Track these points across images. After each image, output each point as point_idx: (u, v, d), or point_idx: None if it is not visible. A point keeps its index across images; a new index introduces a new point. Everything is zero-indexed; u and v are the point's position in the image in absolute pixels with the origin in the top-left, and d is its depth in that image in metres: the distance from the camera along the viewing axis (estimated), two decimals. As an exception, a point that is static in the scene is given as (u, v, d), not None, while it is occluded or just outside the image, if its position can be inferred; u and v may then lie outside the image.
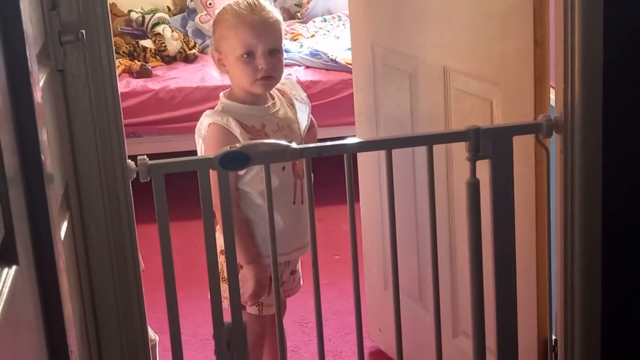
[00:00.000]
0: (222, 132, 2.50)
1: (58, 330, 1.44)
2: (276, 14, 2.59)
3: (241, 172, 2.52)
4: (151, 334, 2.47)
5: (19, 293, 1.27)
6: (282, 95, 2.67)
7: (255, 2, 2.56)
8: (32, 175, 1.37)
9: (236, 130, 2.49)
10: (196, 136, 2.57)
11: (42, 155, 1.38)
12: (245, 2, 2.55)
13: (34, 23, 1.68)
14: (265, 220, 2.54)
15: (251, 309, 2.63)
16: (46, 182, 1.39)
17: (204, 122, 2.53)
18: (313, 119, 2.76)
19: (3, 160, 1.25)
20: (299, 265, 2.77)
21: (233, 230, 2.14)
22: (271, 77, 2.54)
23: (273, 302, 2.62)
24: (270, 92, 2.63)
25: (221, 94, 2.61)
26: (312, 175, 2.20)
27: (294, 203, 2.61)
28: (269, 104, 2.61)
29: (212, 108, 2.60)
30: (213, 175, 2.11)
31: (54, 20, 1.88)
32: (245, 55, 2.52)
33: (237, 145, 2.12)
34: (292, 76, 4.47)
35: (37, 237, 1.38)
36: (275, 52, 2.54)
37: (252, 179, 2.54)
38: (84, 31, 1.91)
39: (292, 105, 2.67)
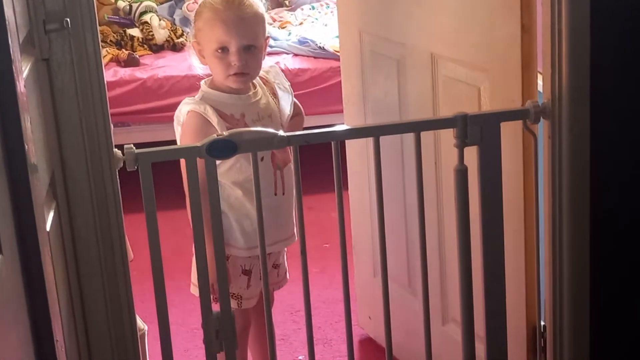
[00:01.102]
0: (199, 120, 2.48)
1: (43, 319, 1.43)
2: (256, 8, 2.53)
3: (218, 162, 2.49)
4: (140, 323, 2.46)
5: (4, 282, 1.27)
6: (265, 84, 2.64)
7: None
8: (16, 165, 1.36)
9: (213, 118, 2.47)
10: (175, 123, 2.55)
11: (25, 144, 1.37)
12: None
13: (18, 11, 1.66)
14: (240, 211, 2.53)
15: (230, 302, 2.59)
16: (30, 172, 1.39)
17: (183, 110, 2.51)
18: (300, 106, 2.73)
19: (-14, 149, 1.24)
20: (283, 259, 2.74)
21: (220, 221, 2.13)
22: (244, 73, 2.51)
23: (252, 295, 2.62)
24: (253, 81, 2.61)
25: (202, 82, 2.59)
26: (290, 165, 2.15)
27: (275, 194, 2.59)
28: (250, 93, 2.58)
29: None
30: (183, 162, 2.08)
31: (38, 8, 1.87)
32: (219, 51, 2.49)
33: (224, 133, 2.11)
34: (280, 64, 4.46)
35: (21, 226, 1.38)
36: (251, 48, 2.50)
37: (228, 169, 2.52)
38: (69, 19, 1.90)
39: (275, 94, 2.64)
